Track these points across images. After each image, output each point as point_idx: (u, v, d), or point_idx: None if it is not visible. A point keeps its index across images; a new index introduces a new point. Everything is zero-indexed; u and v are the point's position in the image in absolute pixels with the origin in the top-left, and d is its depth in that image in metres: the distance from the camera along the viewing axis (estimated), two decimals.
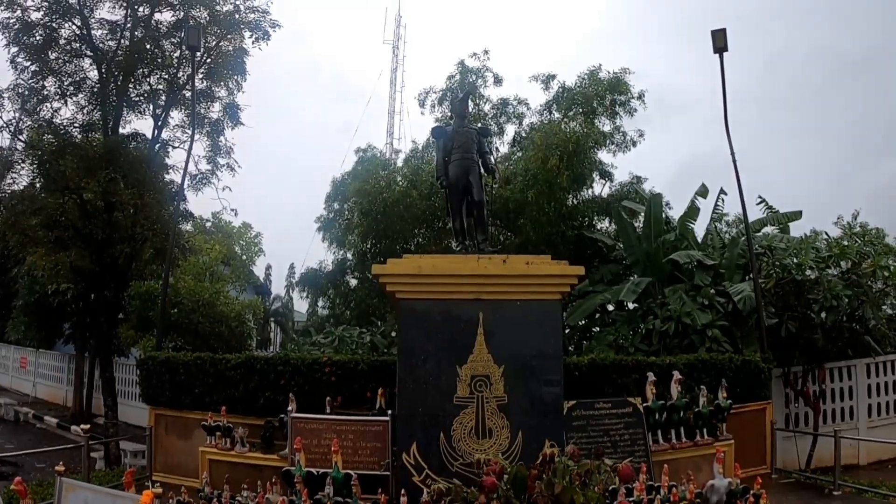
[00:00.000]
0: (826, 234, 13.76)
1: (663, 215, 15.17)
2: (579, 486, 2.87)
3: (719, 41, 11.16)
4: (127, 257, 12.43)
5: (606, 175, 16.70)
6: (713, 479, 7.29)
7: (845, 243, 12.26)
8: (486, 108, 17.31)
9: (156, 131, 13.15)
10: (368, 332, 14.77)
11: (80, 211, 12.11)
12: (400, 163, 18.35)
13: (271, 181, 70.02)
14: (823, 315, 11.62)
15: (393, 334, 16.64)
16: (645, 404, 8.82)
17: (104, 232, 11.87)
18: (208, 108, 13.41)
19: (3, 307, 21.13)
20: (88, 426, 8.32)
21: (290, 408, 8.39)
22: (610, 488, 7.06)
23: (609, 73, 15.54)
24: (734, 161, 11.81)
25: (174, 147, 13.13)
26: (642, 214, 15.51)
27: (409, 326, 7.45)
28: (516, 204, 14.74)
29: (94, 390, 15.67)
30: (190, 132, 11.92)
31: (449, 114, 16.69)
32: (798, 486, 10.36)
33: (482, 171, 8.60)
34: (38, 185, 12.45)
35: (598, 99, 15.15)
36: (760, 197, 15.26)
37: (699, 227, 15.30)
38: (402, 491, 6.80)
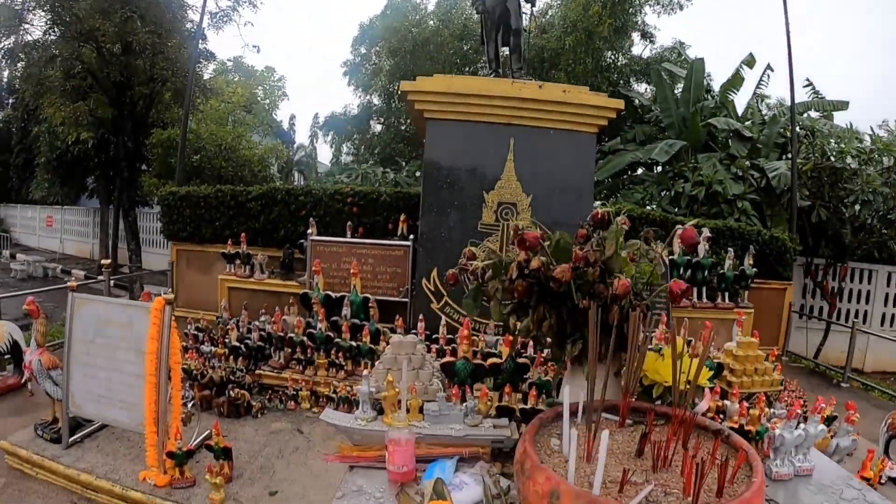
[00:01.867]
0: (872, 129, 12.97)
1: (705, 83, 14.19)
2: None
3: None
4: (147, 100, 11.83)
5: (648, 36, 15.53)
6: (731, 342, 6.90)
7: (888, 140, 11.56)
8: None
9: None
10: (392, 171, 14.35)
11: (96, 56, 11.40)
12: (432, 6, 17.19)
13: (296, 27, 66.97)
14: (857, 208, 11.02)
15: (418, 174, 16.32)
16: (671, 257, 8.37)
17: (122, 76, 11.20)
18: None
19: (26, 169, 20.78)
20: (109, 261, 7.96)
21: (310, 231, 7.97)
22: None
23: None
24: (787, 30, 10.80)
25: None
26: (682, 79, 14.64)
27: (435, 148, 6.81)
28: (552, 53, 13.82)
29: (120, 241, 15.48)
30: None
31: None
32: (807, 372, 10.18)
33: None
34: (52, 34, 11.67)
35: None
36: (808, 80, 14.21)
37: (740, 102, 14.40)
38: (421, 317, 6.46)
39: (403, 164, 16.30)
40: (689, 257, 8.43)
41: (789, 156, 12.53)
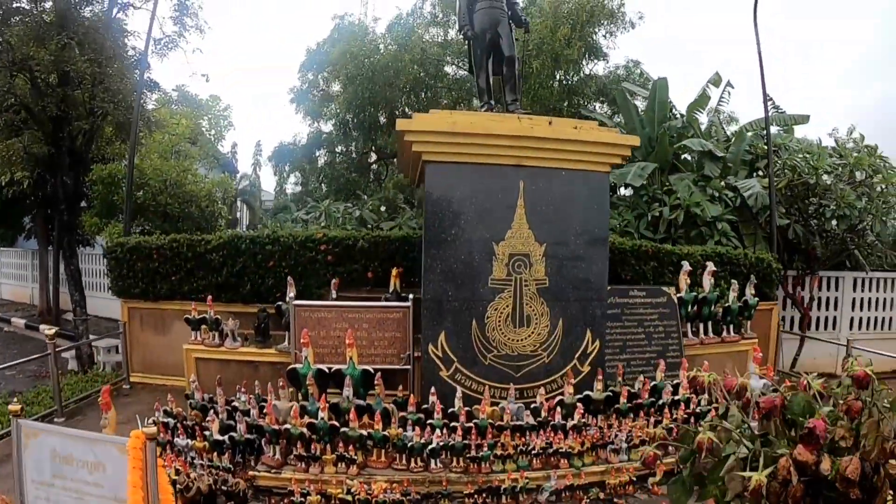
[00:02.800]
0: (836, 142, 12.77)
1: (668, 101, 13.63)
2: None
3: None
4: (86, 135, 10.31)
5: (601, 55, 14.85)
6: (749, 378, 6.31)
7: (856, 154, 11.38)
8: None
9: None
10: (356, 207, 13.13)
11: (31, 88, 9.86)
12: (382, 30, 16.08)
13: (240, 51, 64.13)
14: (835, 222, 10.88)
15: (383, 209, 15.17)
16: (679, 295, 7.65)
17: (59, 109, 9.68)
18: None
19: None
20: (53, 331, 6.63)
21: (290, 294, 6.82)
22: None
23: None
24: (759, 51, 10.35)
25: (136, 8, 10.67)
26: (640, 98, 14.12)
27: (436, 195, 5.81)
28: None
29: (62, 285, 13.71)
30: None
31: None
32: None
33: (511, 23, 6.86)
34: None
35: None
36: (769, 96, 13.90)
37: (701, 120, 13.96)
38: (433, 390, 5.47)
39: (365, 197, 15.13)
40: (695, 293, 7.76)
41: (759, 173, 12.25)
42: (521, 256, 5.97)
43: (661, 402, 5.88)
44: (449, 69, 14.56)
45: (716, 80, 13.62)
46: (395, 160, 18.05)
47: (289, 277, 6.90)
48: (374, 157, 18.41)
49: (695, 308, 7.81)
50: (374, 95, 14.24)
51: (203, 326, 7.17)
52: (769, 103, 14.04)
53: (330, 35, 17.46)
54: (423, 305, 5.79)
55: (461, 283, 5.84)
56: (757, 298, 8.29)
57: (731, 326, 8.16)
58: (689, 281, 7.77)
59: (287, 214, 13.29)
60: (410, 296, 6.19)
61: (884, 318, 12.57)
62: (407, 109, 14.59)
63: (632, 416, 5.78)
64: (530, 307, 6.00)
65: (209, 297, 7.25)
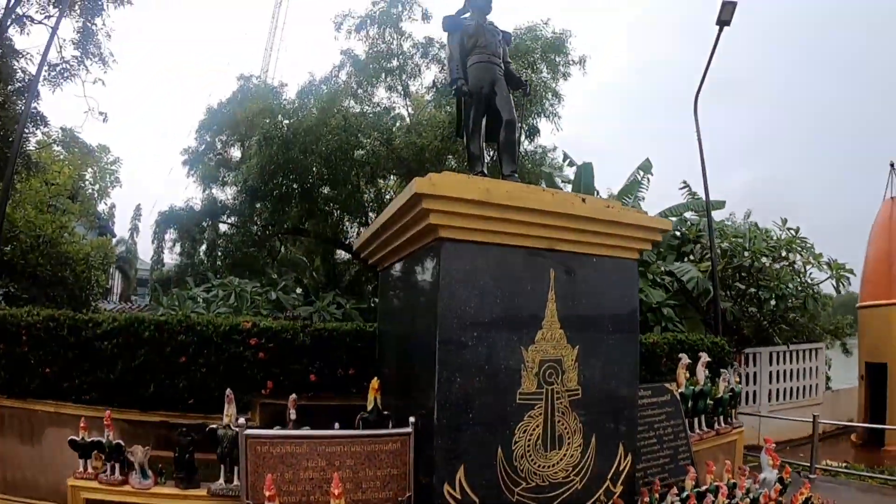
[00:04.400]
0: (757, 224, 12.97)
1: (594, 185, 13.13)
2: None
3: (725, 14, 9.36)
4: None
5: (535, 133, 14.13)
6: (763, 471, 5.76)
7: (783, 236, 11.56)
8: (407, 45, 13.83)
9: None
10: (269, 288, 10.99)
11: None
12: (292, 95, 14.45)
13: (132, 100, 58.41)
14: (773, 303, 10.86)
15: (299, 291, 13.06)
16: (679, 391, 6.58)
17: None
18: None
19: None
20: None
21: (228, 411, 4.78)
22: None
23: (553, 31, 12.76)
24: (699, 142, 10.18)
25: (34, 22, 8.36)
26: (561, 181, 13.61)
27: (456, 286, 4.19)
28: (434, 153, 11.83)
29: None
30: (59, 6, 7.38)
31: (373, 38, 13.50)
32: None
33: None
34: None
35: (542, 56, 12.44)
36: (684, 182, 14.03)
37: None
38: None
39: (274, 276, 13.03)
40: (693, 387, 6.74)
41: (690, 257, 12.04)
42: (553, 363, 4.52)
43: None
44: (365, 140, 13.24)
45: (646, 167, 13.47)
46: (301, 236, 16.05)
47: (228, 392, 4.85)
48: (273, 229, 16.26)
49: (691, 402, 6.79)
50: (290, 161, 12.43)
51: (95, 453, 4.87)
52: (685, 190, 14.23)
53: (233, 96, 15.63)
54: (437, 433, 4.06)
55: (484, 400, 4.23)
56: (740, 385, 7.53)
57: (723, 417, 7.23)
58: (688, 375, 6.75)
59: (183, 291, 10.82)
60: (412, 420, 4.39)
61: (800, 388, 12.73)
62: (328, 177, 12.90)
63: None
64: (563, 424, 4.52)
65: (108, 414, 4.97)
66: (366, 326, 6.80)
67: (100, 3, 8.91)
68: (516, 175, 5.44)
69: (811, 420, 8.72)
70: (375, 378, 4.94)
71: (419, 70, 14.12)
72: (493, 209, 4.19)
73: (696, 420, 6.92)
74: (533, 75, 12.18)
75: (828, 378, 14.30)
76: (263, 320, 6.82)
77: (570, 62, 12.82)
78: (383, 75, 13.75)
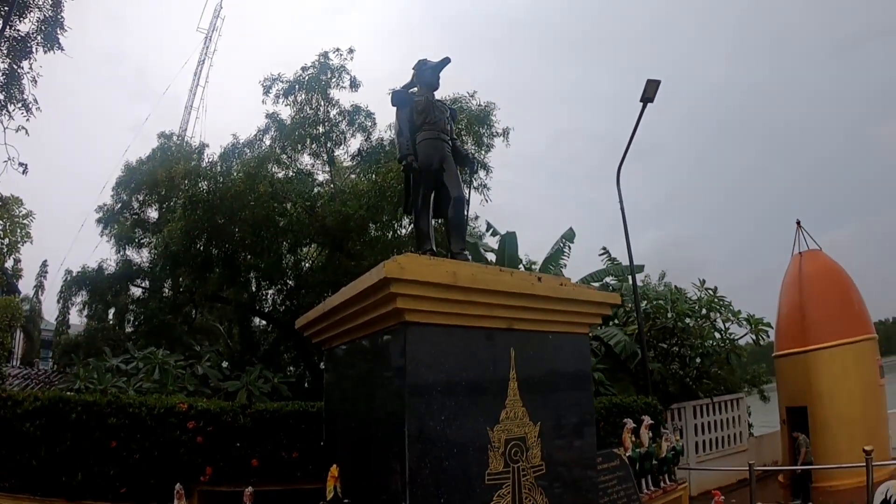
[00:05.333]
0: (676, 286, 14.00)
1: (518, 254, 13.77)
2: None
3: (649, 92, 10.46)
4: None
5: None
6: None
7: (702, 296, 12.57)
8: (334, 112, 14.12)
9: None
10: (193, 361, 10.60)
11: None
12: (214, 156, 14.21)
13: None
14: (698, 360, 11.71)
15: (225, 365, 12.59)
16: (627, 454, 7.02)
17: None
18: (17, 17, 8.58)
19: None
20: None
21: None
22: None
23: (479, 104, 13.51)
24: (622, 211, 11.15)
25: None
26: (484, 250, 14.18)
27: (421, 368, 4.38)
28: (359, 222, 12.08)
29: None
30: None
31: (299, 105, 13.71)
32: None
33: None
34: None
35: (467, 128, 13.07)
36: (604, 248, 14.98)
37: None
38: None
39: (198, 348, 12.58)
40: (639, 450, 7.22)
41: (615, 321, 12.83)
42: (518, 441, 4.76)
43: None
44: (289, 206, 13.34)
45: (569, 236, 14.26)
46: (219, 303, 15.64)
47: (178, 487, 4.74)
48: (192, 296, 15.75)
49: (637, 464, 7.25)
50: (215, 227, 12.27)
51: None
52: (604, 256, 15.25)
53: (153, 154, 15.25)
54: None
55: (455, 484, 4.37)
56: (682, 444, 8.11)
57: (668, 475, 7.73)
58: (633, 438, 7.22)
59: (101, 362, 10.21)
60: None
61: (724, 437, 13.63)
62: (250, 243, 12.80)
63: None
64: (530, 501, 4.74)
65: None
66: (308, 407, 6.77)
67: (29, 45, 8.60)
68: (466, 252, 5.73)
69: (747, 468, 9.33)
70: (335, 465, 4.94)
71: (345, 137, 14.38)
72: (459, 292, 4.44)
73: (643, 481, 7.35)
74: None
75: (750, 425, 15.37)
76: (200, 401, 6.67)
77: (494, 134, 13.50)
78: (308, 141, 13.93)
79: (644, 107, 10.79)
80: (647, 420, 7.53)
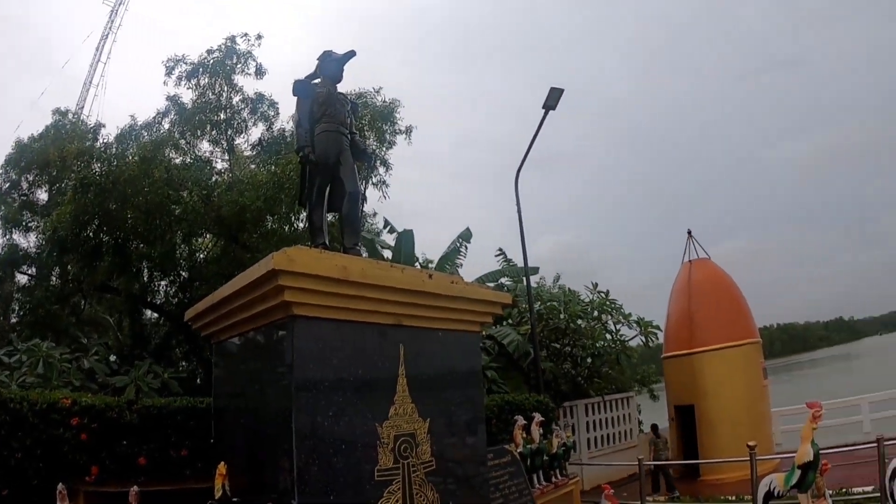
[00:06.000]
0: (569, 289, 14.82)
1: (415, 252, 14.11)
2: None
3: (552, 99, 11.02)
4: None
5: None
6: None
7: (595, 299, 13.43)
8: (237, 99, 13.97)
9: None
10: (80, 354, 10.11)
11: None
12: (110, 137, 13.76)
13: None
14: (589, 360, 12.49)
15: (113, 359, 12.01)
16: (519, 450, 7.43)
17: None
18: None
19: None
20: None
21: None
22: None
23: (384, 101, 13.76)
24: (519, 214, 11.73)
25: None
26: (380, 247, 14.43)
27: (311, 365, 4.42)
28: (255, 213, 11.98)
29: None
30: None
31: (204, 87, 13.61)
32: None
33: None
34: None
35: (370, 124, 13.24)
36: (500, 250, 15.63)
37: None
38: None
39: (84, 340, 11.93)
40: (531, 446, 7.67)
41: (509, 321, 13.41)
42: (407, 437, 4.92)
43: None
44: (185, 195, 13.05)
45: (466, 236, 14.77)
46: (108, 293, 14.95)
47: (60, 487, 4.54)
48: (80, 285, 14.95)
49: (529, 460, 7.69)
50: (106, 212, 11.77)
51: None
52: (500, 257, 15.90)
53: (45, 131, 14.51)
54: None
55: (344, 480, 4.45)
56: (573, 440, 8.65)
57: (559, 471, 8.22)
58: (524, 435, 7.65)
59: None
60: None
61: (615, 434, 14.60)
62: (146, 233, 12.39)
63: None
64: (421, 497, 4.89)
65: None
66: (198, 403, 6.63)
67: None
68: (359, 247, 5.86)
69: (636, 463, 10.09)
70: (222, 463, 4.89)
71: (246, 126, 14.31)
72: (349, 287, 4.51)
73: (534, 476, 7.80)
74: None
75: (640, 422, 16.54)
76: (84, 396, 6.39)
77: (398, 131, 13.78)
78: (209, 127, 13.77)
79: (546, 114, 11.41)
80: (538, 417, 7.98)
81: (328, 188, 5.84)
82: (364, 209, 14.76)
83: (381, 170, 13.87)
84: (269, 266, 4.18)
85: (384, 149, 13.65)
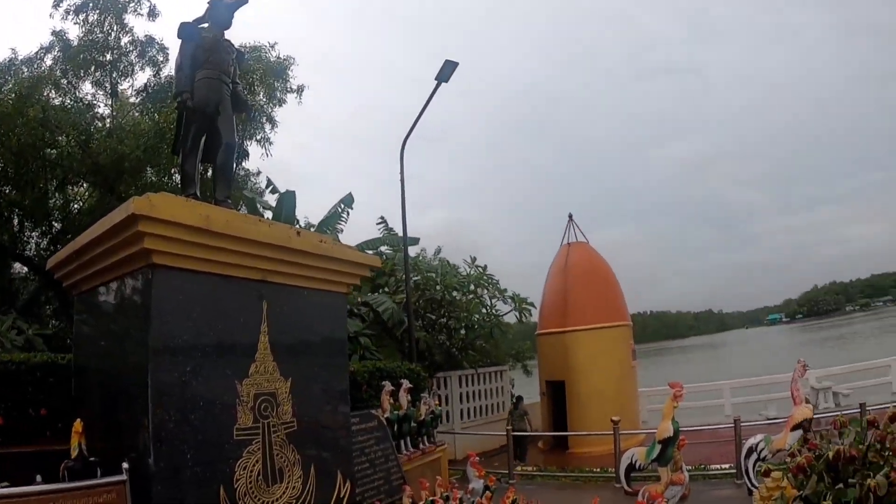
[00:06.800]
0: (448, 261, 15.32)
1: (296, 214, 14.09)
2: None
3: (445, 73, 11.28)
4: None
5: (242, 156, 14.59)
6: (470, 482, 7.10)
7: (472, 273, 14.00)
8: (126, 40, 13.31)
9: None
10: None
11: None
12: None
13: None
14: (463, 332, 13.04)
15: None
16: (385, 416, 7.79)
17: None
18: None
19: None
20: None
21: None
22: None
23: (278, 57, 13.61)
24: (402, 183, 12.03)
25: None
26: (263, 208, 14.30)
27: (168, 315, 4.46)
28: (135, 163, 11.62)
29: None
30: None
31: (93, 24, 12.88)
32: None
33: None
34: None
35: (261, 79, 13.08)
36: (382, 218, 15.86)
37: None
38: None
39: None
40: (398, 412, 8.04)
41: (385, 289, 13.72)
42: (268, 396, 5.11)
43: None
44: (61, 139, 12.30)
45: (348, 201, 14.90)
46: None
47: None
48: None
49: (396, 426, 8.05)
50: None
51: None
52: (381, 225, 16.14)
53: None
54: (154, 478, 4.23)
55: (202, 438, 4.56)
56: (440, 408, 9.10)
57: (427, 437, 8.68)
58: (392, 401, 7.98)
59: None
60: (125, 466, 4.43)
61: (488, 406, 15.43)
62: (6, 180, 11.49)
63: None
64: (281, 457, 5.12)
65: None
66: (58, 359, 6.41)
67: None
68: (230, 201, 5.90)
69: (505, 433, 10.81)
70: (78, 420, 4.78)
71: (133, 69, 13.75)
72: (212, 237, 4.62)
73: (402, 442, 8.21)
74: (250, 97, 12.78)
75: (512, 396, 17.55)
76: None
77: (289, 89, 13.73)
78: (93, 68, 13.16)
79: (438, 85, 11.72)
80: (406, 384, 8.37)
81: (204, 137, 5.86)
82: (247, 167, 14.58)
83: (268, 127, 13.88)
84: (129, 210, 4.20)
85: (273, 106, 13.67)
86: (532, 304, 15.63)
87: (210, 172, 6.48)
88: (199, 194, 5.71)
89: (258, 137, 13.56)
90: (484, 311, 13.68)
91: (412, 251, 15.32)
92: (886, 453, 3.83)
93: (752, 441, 7.67)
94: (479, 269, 14.16)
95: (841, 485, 3.83)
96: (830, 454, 3.95)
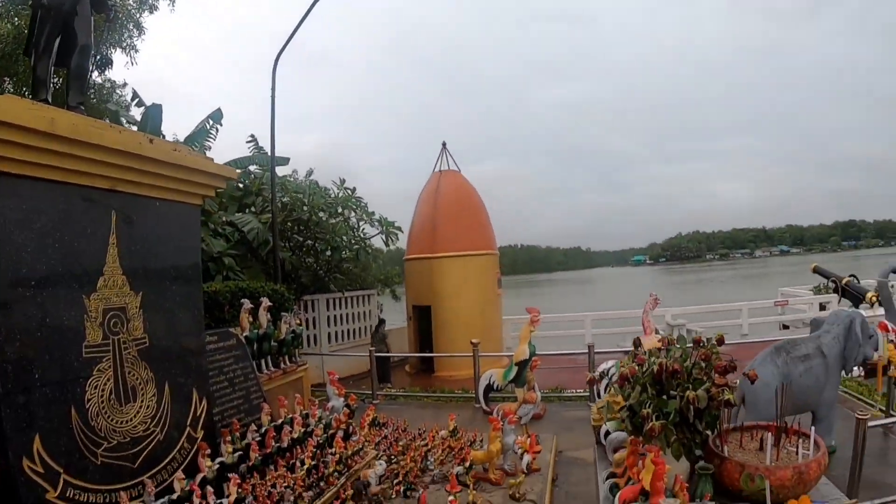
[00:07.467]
0: (317, 182, 15.21)
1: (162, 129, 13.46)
2: None
3: None
4: None
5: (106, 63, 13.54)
6: (331, 401, 7.63)
7: (341, 195, 14.06)
8: None
9: None
10: None
11: None
12: None
13: None
14: (329, 253, 13.21)
15: None
16: (245, 334, 7.98)
17: None
18: None
19: None
20: None
21: None
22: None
23: None
24: (273, 100, 11.90)
25: None
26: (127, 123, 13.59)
27: (9, 226, 4.29)
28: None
29: None
30: None
31: None
32: None
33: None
34: None
35: None
36: (252, 136, 15.49)
37: None
38: None
39: None
40: (257, 331, 8.25)
41: (252, 209, 13.54)
42: (118, 311, 5.14)
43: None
44: None
45: (216, 116, 14.35)
46: None
47: None
48: None
49: (256, 345, 8.25)
50: None
51: None
52: (252, 143, 15.74)
53: None
54: (1, 402, 4.23)
55: (50, 357, 4.55)
56: (302, 327, 9.39)
57: (288, 357, 8.95)
58: (251, 319, 8.13)
59: None
60: None
61: (356, 329, 15.95)
62: None
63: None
64: (134, 375, 5.23)
65: None
66: None
67: None
68: (83, 108, 5.64)
69: (367, 355, 11.31)
70: None
71: None
72: (57, 142, 4.50)
73: (262, 361, 8.48)
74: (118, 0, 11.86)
75: (379, 319, 18.15)
76: None
77: None
78: None
79: (314, 3, 11.43)
80: (266, 302, 8.56)
81: (59, 39, 5.54)
82: (112, 78, 13.63)
83: (135, 33, 12.90)
84: None
85: (143, 11, 12.68)
86: (399, 229, 16.07)
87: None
88: (50, 100, 5.43)
89: (124, 45, 12.61)
90: (351, 233, 13.89)
91: (282, 171, 15.17)
92: (711, 371, 4.48)
93: (603, 366, 8.56)
94: (348, 191, 14.29)
95: (664, 396, 4.47)
96: (654, 367, 4.57)
